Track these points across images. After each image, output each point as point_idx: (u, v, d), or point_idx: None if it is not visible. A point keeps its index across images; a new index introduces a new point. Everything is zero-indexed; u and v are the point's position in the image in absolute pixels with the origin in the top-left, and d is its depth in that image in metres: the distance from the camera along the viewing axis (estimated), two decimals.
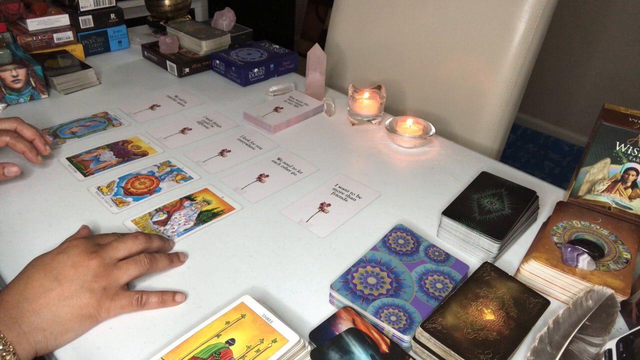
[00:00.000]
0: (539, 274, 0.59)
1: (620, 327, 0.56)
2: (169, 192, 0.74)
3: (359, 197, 0.75)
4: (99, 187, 0.74)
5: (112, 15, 1.19)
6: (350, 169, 0.82)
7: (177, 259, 0.61)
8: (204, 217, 0.69)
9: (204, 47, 1.14)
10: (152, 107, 0.97)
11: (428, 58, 1.10)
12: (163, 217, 0.68)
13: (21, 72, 0.93)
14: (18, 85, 0.94)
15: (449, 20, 1.05)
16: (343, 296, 0.55)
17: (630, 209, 0.67)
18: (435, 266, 0.60)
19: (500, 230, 0.63)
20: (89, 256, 0.53)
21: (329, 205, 0.73)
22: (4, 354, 0.45)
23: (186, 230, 0.66)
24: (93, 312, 0.51)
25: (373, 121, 0.95)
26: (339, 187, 0.77)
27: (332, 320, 0.53)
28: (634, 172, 0.65)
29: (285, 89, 1.05)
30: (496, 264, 0.63)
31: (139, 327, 0.53)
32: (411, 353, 0.52)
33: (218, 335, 0.49)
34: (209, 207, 0.71)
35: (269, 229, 0.68)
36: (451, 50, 1.06)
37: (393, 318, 0.53)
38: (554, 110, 2.53)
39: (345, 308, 0.54)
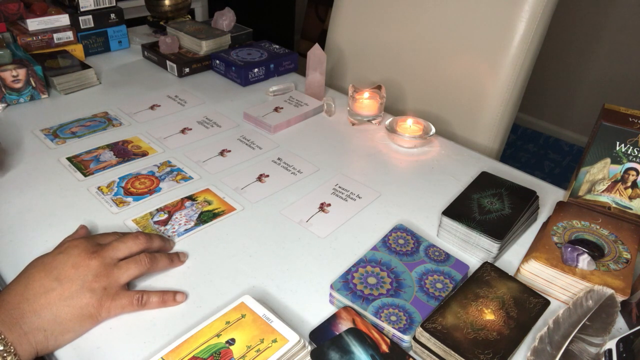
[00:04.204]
0: (539, 274, 0.59)
1: (620, 327, 0.56)
2: (169, 192, 0.74)
3: (359, 197, 0.75)
4: (99, 187, 0.74)
5: (112, 15, 1.19)
6: (350, 169, 0.82)
7: (177, 258, 0.61)
8: (205, 217, 0.69)
9: (204, 47, 1.14)
10: (152, 107, 0.97)
11: (428, 58, 1.10)
12: (164, 217, 0.68)
13: (21, 72, 0.93)
14: (18, 85, 0.94)
15: (449, 20, 1.05)
16: (343, 296, 0.55)
17: (630, 209, 0.67)
18: (435, 266, 0.60)
19: (500, 230, 0.63)
20: (89, 256, 0.53)
21: (329, 205, 0.73)
22: (5, 354, 0.45)
23: (187, 230, 0.66)
24: (93, 312, 0.51)
25: (373, 121, 0.95)
26: (339, 187, 0.77)
27: (332, 320, 0.53)
28: (634, 172, 0.65)
29: (285, 89, 1.05)
30: (496, 264, 0.63)
31: (139, 327, 0.53)
32: (411, 353, 0.52)
33: (218, 335, 0.49)
34: (210, 208, 0.71)
35: (269, 229, 0.68)
36: (451, 50, 1.06)
37: (393, 318, 0.53)
38: (554, 110, 2.53)
39: (346, 308, 0.54)
